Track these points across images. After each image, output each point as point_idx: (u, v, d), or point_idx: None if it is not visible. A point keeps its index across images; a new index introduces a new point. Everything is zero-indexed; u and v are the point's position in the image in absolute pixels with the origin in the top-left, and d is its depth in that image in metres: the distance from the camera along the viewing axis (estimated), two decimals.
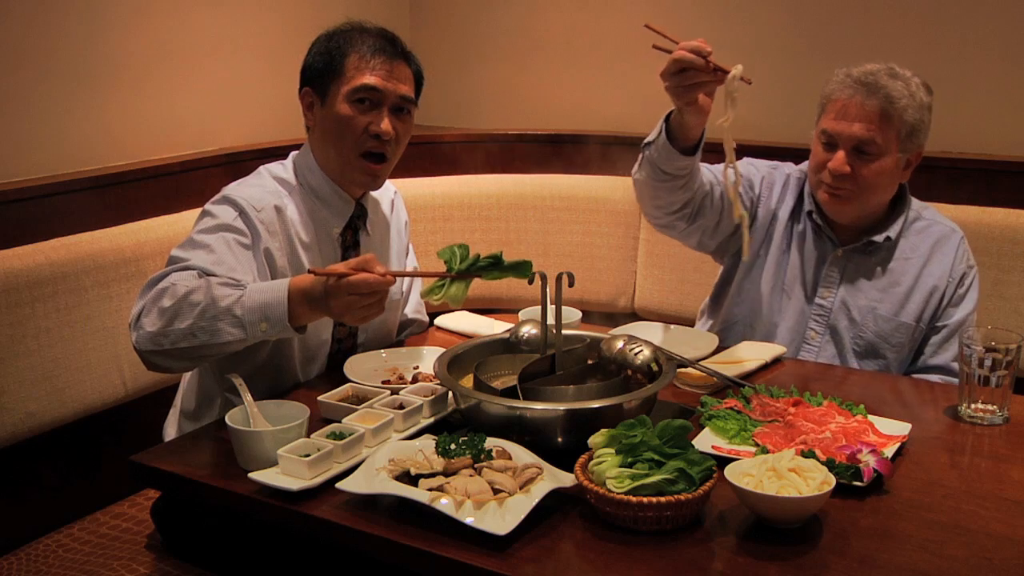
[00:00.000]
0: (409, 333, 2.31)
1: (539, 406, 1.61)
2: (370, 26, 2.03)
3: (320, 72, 1.99)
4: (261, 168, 2.07)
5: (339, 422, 1.65)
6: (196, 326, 1.69)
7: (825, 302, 2.23)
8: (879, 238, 2.18)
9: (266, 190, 1.98)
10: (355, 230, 2.11)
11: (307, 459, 1.49)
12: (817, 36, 2.84)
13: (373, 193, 2.16)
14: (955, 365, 2.15)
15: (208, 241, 1.85)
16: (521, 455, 1.52)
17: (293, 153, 2.11)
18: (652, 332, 2.18)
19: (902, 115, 2.07)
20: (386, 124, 1.97)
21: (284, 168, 2.07)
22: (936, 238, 2.22)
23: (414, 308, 2.33)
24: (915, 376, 2.20)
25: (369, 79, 1.96)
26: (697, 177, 2.10)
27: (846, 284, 2.22)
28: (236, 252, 1.86)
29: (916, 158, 2.16)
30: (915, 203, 2.26)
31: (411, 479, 1.46)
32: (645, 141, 2.08)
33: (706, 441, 1.65)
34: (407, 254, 2.31)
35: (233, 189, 1.97)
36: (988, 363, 1.76)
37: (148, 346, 1.73)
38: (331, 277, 1.68)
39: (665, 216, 2.18)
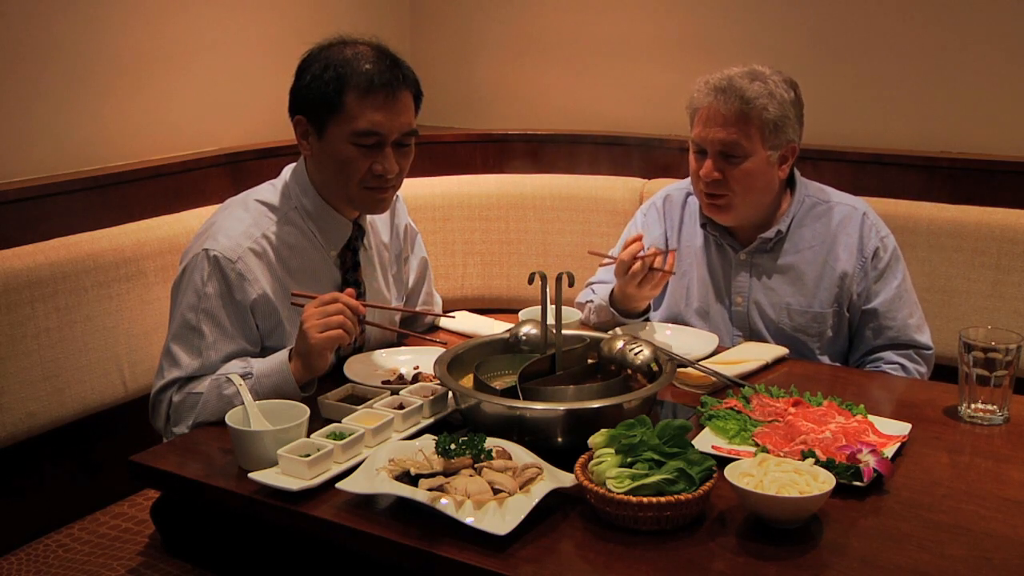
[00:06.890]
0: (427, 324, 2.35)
1: (539, 406, 1.61)
2: (365, 50, 1.92)
3: (315, 104, 1.90)
4: (250, 197, 2.01)
5: (339, 422, 1.65)
6: (222, 415, 1.68)
7: (740, 308, 2.25)
8: (769, 234, 2.20)
9: (244, 230, 1.93)
10: (354, 251, 2.08)
11: (307, 459, 1.50)
12: (817, 36, 2.84)
13: None
14: (916, 336, 2.18)
15: (197, 331, 1.87)
16: (521, 455, 1.52)
17: (287, 169, 2.06)
18: (652, 332, 2.18)
19: (761, 114, 2.08)
20: (390, 164, 1.92)
21: (274, 190, 2.02)
22: (838, 220, 2.21)
23: (422, 301, 2.34)
24: (871, 358, 2.19)
25: (372, 120, 1.88)
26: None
27: (756, 285, 2.23)
28: (228, 322, 1.89)
29: (791, 153, 2.17)
30: (813, 187, 2.26)
31: (411, 479, 1.46)
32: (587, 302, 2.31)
33: (706, 441, 1.65)
34: (406, 259, 2.29)
35: (211, 235, 1.92)
36: (988, 363, 1.76)
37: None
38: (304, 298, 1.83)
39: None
